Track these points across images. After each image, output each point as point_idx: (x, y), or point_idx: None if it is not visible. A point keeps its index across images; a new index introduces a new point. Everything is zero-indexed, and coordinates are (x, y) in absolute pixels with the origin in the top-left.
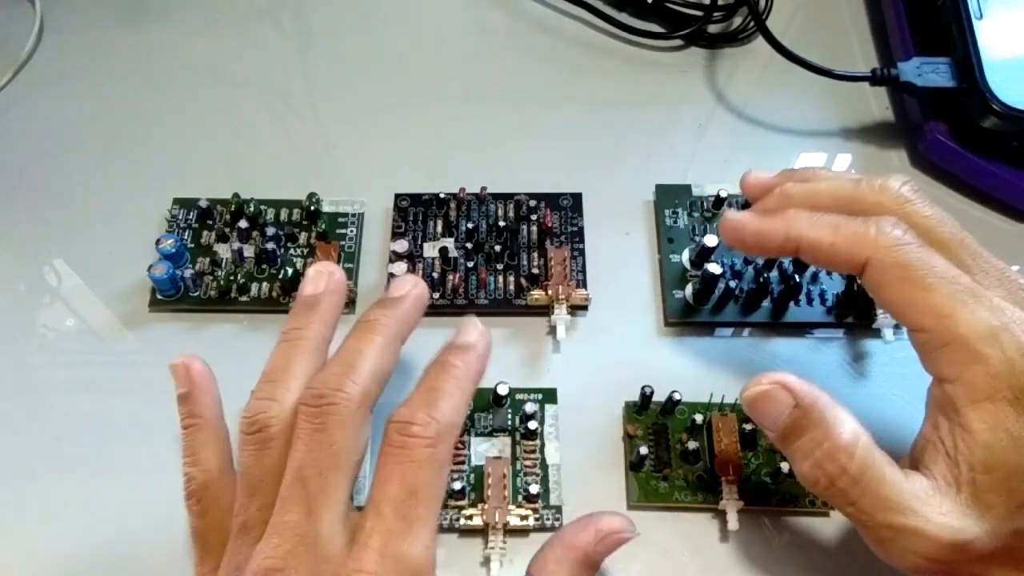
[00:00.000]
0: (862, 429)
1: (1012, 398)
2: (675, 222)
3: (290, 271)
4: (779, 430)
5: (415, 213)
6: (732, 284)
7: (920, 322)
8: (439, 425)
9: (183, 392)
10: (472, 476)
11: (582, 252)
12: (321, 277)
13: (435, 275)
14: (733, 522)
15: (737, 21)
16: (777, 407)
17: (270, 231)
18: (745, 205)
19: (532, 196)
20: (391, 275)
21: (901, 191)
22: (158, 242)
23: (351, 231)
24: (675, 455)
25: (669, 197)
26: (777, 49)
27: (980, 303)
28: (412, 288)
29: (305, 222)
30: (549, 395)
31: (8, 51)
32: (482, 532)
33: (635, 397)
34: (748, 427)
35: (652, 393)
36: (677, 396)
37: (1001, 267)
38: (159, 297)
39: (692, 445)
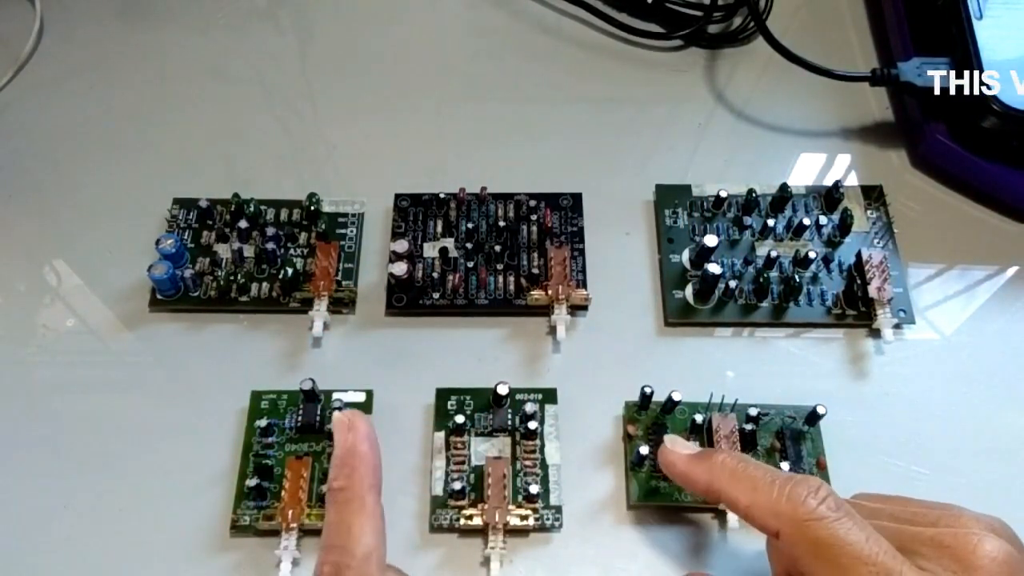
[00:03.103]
0: None
1: None
2: (675, 222)
3: (290, 271)
4: None
5: (415, 213)
6: (732, 284)
7: None
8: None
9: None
10: (472, 476)
11: (582, 252)
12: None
13: (435, 275)
14: (733, 522)
15: (737, 21)
16: None
17: (270, 231)
18: (745, 206)
19: (532, 196)
20: (391, 275)
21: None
22: (158, 242)
23: (351, 231)
24: None
25: (669, 197)
26: (777, 49)
27: None
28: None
29: (305, 222)
30: (549, 395)
31: (8, 51)
32: (482, 532)
33: (635, 397)
34: (748, 427)
35: (652, 393)
36: (677, 396)
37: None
38: (159, 297)
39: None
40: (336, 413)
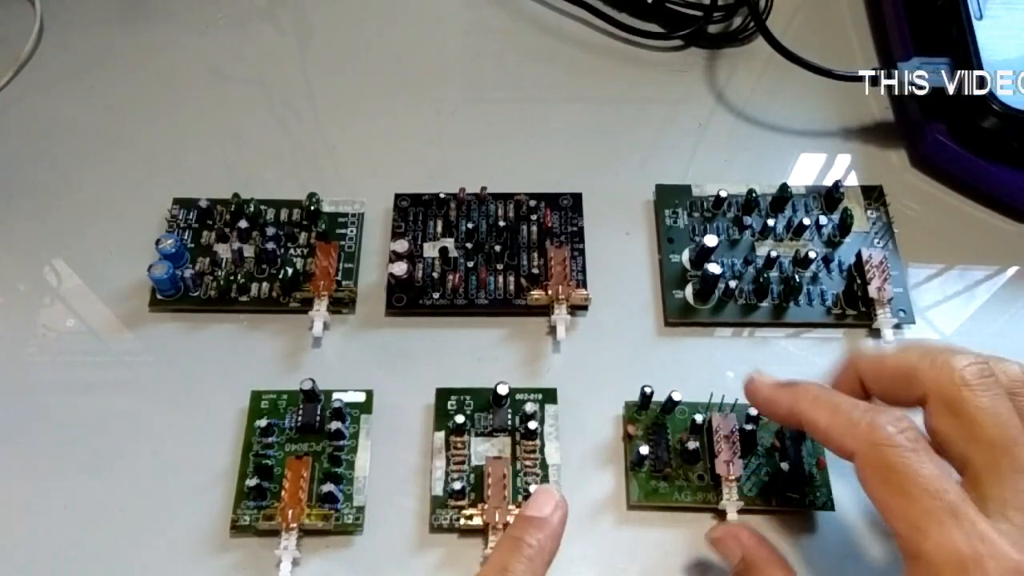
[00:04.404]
0: None
1: None
2: (675, 222)
3: (290, 271)
4: (732, 570)
5: (415, 213)
6: (732, 284)
7: (894, 527)
8: None
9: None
10: (472, 476)
11: (582, 252)
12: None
13: (435, 275)
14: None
15: (737, 21)
16: (730, 552)
17: (270, 231)
18: (745, 206)
19: (532, 196)
20: (391, 275)
21: (963, 373)
22: (158, 242)
23: (351, 231)
24: (675, 455)
25: (669, 197)
26: (777, 49)
27: (959, 525)
28: (555, 509)
29: (305, 222)
30: (549, 395)
31: (8, 51)
32: (482, 532)
33: (635, 397)
34: (748, 427)
35: (652, 393)
36: (677, 396)
37: None
38: (159, 297)
39: (692, 445)
40: (551, 488)
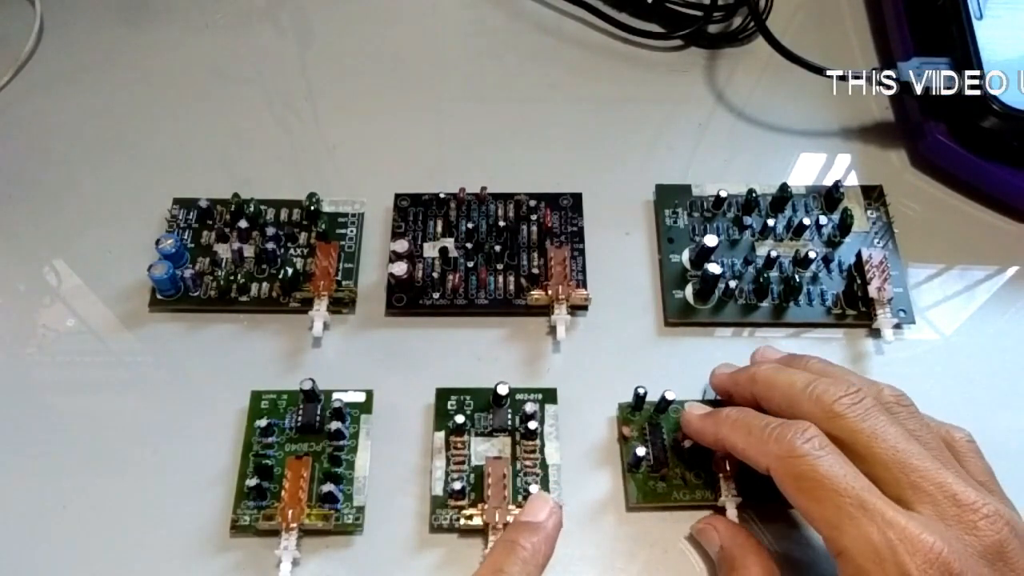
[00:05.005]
0: None
1: None
2: (675, 222)
3: (290, 271)
4: (714, 560)
5: (415, 213)
6: (732, 284)
7: (818, 530)
8: None
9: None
10: (472, 476)
11: (582, 252)
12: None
13: (435, 275)
14: (732, 517)
15: (737, 21)
16: (710, 542)
17: (270, 231)
18: (745, 206)
19: (532, 196)
20: (391, 275)
21: (834, 407)
22: (158, 242)
23: (351, 231)
24: (671, 454)
25: (669, 197)
26: (777, 49)
27: (868, 516)
28: (550, 515)
29: (305, 222)
30: (549, 395)
31: (8, 51)
32: (482, 532)
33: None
34: None
35: (646, 394)
36: (671, 395)
37: (941, 481)
38: (159, 297)
39: (688, 443)
40: (547, 495)
